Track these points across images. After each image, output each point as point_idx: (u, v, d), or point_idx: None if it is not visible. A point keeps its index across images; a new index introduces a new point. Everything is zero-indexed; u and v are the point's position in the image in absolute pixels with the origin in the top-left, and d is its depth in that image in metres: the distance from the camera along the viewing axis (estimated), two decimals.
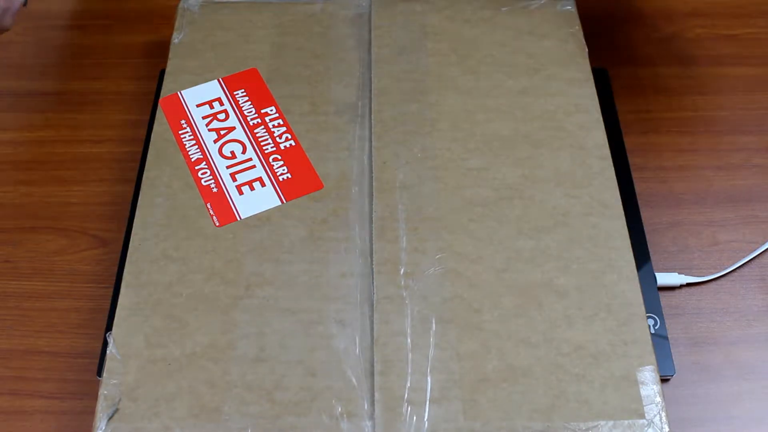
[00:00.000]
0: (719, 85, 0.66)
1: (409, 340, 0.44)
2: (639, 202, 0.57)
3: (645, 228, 0.56)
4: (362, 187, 0.51)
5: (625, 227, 0.49)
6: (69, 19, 0.72)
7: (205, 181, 0.51)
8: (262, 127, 0.54)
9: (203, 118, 0.55)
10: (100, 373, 0.48)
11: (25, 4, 0.56)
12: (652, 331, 0.50)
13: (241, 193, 0.51)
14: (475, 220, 0.49)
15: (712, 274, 0.55)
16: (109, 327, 0.49)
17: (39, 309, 0.54)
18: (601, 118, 0.54)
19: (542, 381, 0.43)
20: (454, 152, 0.52)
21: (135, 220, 0.49)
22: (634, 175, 0.59)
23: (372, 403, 0.42)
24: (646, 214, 0.57)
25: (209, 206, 0.50)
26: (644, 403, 0.42)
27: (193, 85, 0.57)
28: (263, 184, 0.51)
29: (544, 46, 0.58)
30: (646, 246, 0.55)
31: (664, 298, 0.54)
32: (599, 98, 0.55)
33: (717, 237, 0.57)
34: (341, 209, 0.50)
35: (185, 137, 0.54)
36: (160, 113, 0.55)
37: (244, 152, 0.53)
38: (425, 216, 0.49)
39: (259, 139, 0.54)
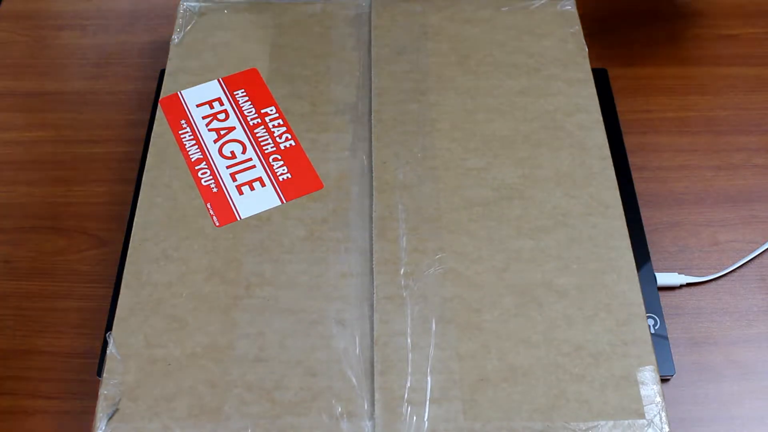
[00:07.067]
0: (719, 85, 0.66)
1: (409, 340, 0.44)
2: (639, 202, 0.57)
3: (645, 228, 0.56)
4: (362, 187, 0.51)
5: (625, 227, 0.49)
6: (69, 19, 0.72)
7: (205, 181, 0.51)
8: (262, 127, 0.54)
9: (203, 118, 0.55)
10: (100, 373, 0.49)
11: None
12: (652, 331, 0.50)
13: (241, 193, 0.51)
14: (475, 220, 0.49)
15: (712, 274, 0.55)
16: (109, 327, 0.49)
17: (39, 309, 0.54)
18: (601, 118, 0.54)
19: (542, 381, 0.43)
20: (454, 152, 0.52)
21: (135, 220, 0.49)
22: (634, 175, 0.59)
23: (372, 403, 0.42)
24: (646, 214, 0.57)
25: (209, 206, 0.50)
26: (644, 403, 0.42)
27: (193, 85, 0.57)
28: (263, 184, 0.51)
29: (544, 46, 0.58)
30: (646, 246, 0.55)
31: (664, 298, 0.54)
32: (599, 98, 0.55)
33: (717, 237, 0.57)
34: (341, 209, 0.50)
35: (185, 137, 0.54)
36: (160, 113, 0.55)
37: (244, 152, 0.53)
38: (425, 216, 0.49)
39: (259, 139, 0.54)
